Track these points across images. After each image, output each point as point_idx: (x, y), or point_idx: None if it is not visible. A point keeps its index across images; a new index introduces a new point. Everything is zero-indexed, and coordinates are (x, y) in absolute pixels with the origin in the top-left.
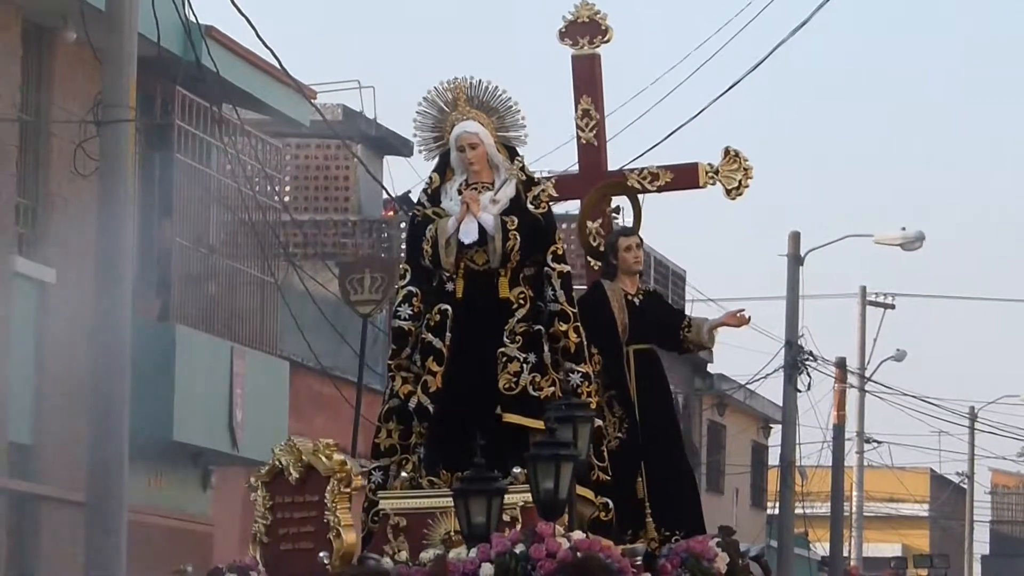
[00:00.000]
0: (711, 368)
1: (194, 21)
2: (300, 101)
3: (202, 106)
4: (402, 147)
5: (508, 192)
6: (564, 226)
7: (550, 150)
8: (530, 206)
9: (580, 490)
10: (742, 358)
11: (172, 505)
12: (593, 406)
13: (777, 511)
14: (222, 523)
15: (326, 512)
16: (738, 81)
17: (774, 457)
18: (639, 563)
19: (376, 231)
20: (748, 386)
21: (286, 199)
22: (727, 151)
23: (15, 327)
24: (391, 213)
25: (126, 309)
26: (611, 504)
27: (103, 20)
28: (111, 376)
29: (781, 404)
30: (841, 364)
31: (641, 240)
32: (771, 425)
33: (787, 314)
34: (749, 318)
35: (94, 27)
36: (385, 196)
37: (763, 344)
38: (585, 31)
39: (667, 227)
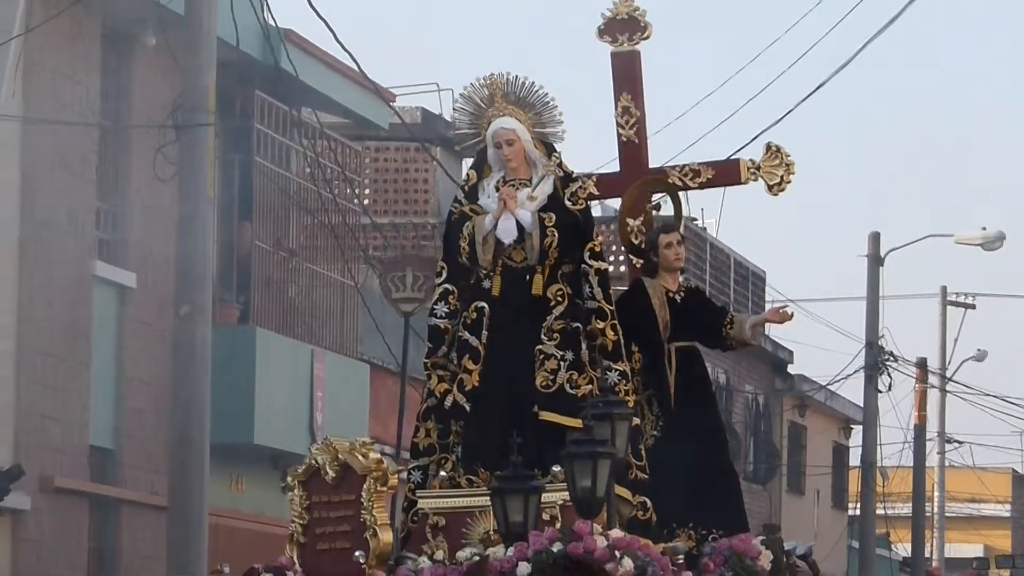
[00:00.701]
0: (792, 369)
1: (273, 24)
2: (379, 104)
3: (281, 109)
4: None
5: (545, 188)
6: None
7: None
8: (568, 202)
9: (618, 489)
10: (823, 359)
11: (253, 508)
12: (631, 404)
13: (858, 512)
14: None
15: (362, 511)
16: (825, 81)
17: (855, 458)
18: (680, 561)
19: None
20: (829, 387)
21: (365, 202)
22: (768, 146)
23: (95, 331)
24: None
25: (206, 313)
26: (649, 503)
27: (182, 25)
28: (192, 380)
29: (862, 405)
30: (922, 364)
31: (682, 237)
32: (852, 426)
33: (867, 315)
34: (792, 314)
35: (173, 32)
36: None
37: (844, 345)
38: (624, 28)
39: (747, 228)
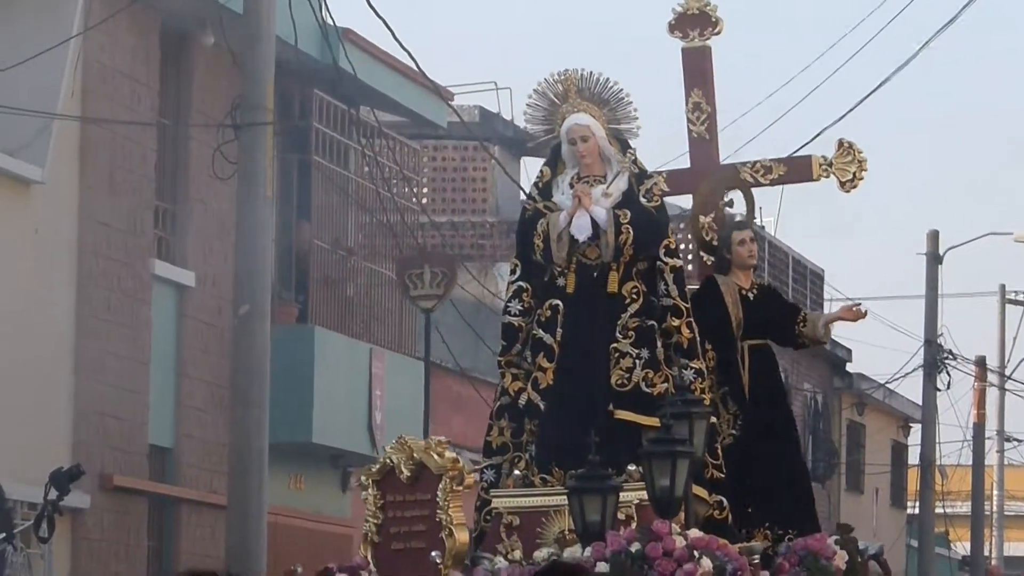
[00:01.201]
0: (850, 367)
1: (331, 24)
2: (437, 103)
3: (339, 108)
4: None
5: (620, 185)
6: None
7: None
8: (643, 199)
9: (694, 488)
10: (881, 357)
11: (312, 507)
12: (707, 403)
13: (917, 510)
14: (361, 524)
15: (438, 511)
16: (889, 77)
17: (914, 456)
18: (756, 561)
19: (514, 232)
20: (888, 385)
21: (424, 201)
22: (841, 143)
23: (154, 330)
24: None
25: (265, 312)
26: (725, 502)
27: (241, 24)
28: (250, 379)
29: (921, 403)
30: (981, 362)
31: (755, 234)
32: (911, 424)
33: (926, 313)
34: (865, 312)
35: (232, 31)
36: (523, 197)
37: (902, 343)
38: (695, 23)
39: (806, 227)
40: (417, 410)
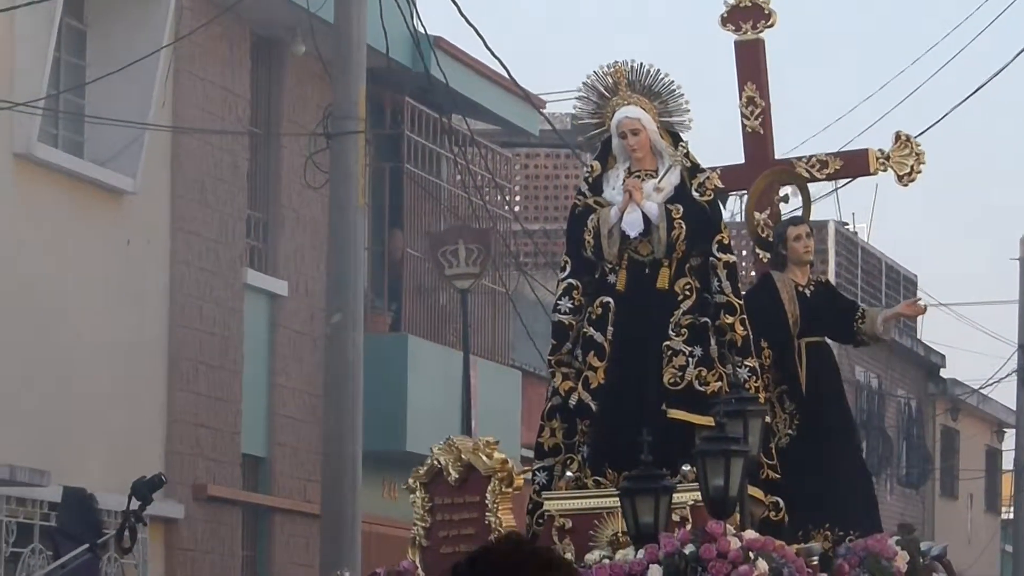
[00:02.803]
0: (944, 373)
1: (422, 32)
2: (529, 111)
3: (431, 117)
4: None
5: (672, 179)
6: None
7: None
8: (695, 193)
9: (749, 489)
10: (976, 362)
11: (406, 515)
12: (762, 401)
13: (1011, 516)
14: None
15: (487, 513)
16: (988, 80)
17: (1008, 461)
18: (815, 563)
19: None
20: (981, 391)
21: (516, 208)
22: (898, 136)
23: (247, 339)
24: None
25: (358, 321)
26: (782, 503)
27: (332, 32)
28: (343, 388)
29: (1015, 408)
30: None
31: (811, 229)
32: (1005, 429)
33: (1020, 318)
34: (925, 307)
35: (323, 40)
36: None
37: (996, 348)
38: (748, 16)
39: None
40: (512, 417)
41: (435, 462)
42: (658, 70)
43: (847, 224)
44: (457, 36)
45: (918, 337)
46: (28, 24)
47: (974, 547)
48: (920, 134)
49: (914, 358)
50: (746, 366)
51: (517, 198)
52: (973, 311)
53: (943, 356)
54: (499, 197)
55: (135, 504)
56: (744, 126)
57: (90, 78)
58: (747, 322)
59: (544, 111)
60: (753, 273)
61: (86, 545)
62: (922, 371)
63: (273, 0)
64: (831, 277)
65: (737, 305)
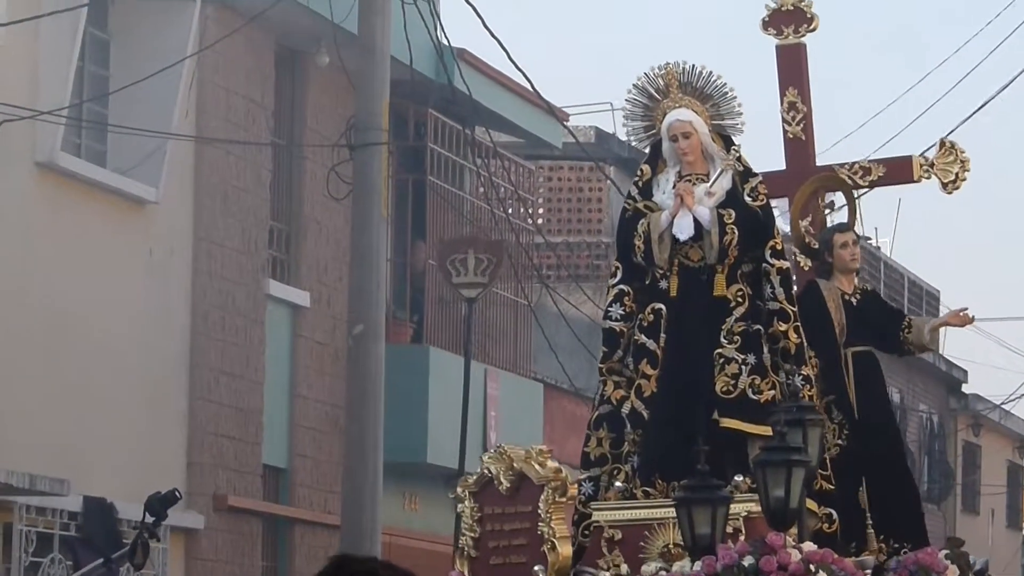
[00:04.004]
0: (966, 388)
1: (446, 44)
2: (552, 123)
3: (455, 128)
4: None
5: (724, 184)
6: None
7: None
8: (747, 198)
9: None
10: (998, 378)
11: (426, 527)
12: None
13: None
14: None
15: (540, 523)
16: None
17: None
18: None
19: None
20: (1004, 406)
21: (539, 221)
22: (943, 143)
23: (268, 350)
24: None
25: (380, 332)
26: (835, 515)
27: (356, 44)
28: (364, 399)
29: None
30: None
31: (858, 236)
32: None
33: None
34: (973, 317)
35: (347, 51)
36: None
37: (1019, 364)
38: (790, 19)
39: (921, 246)
40: (533, 430)
41: (485, 471)
42: (710, 72)
43: (870, 239)
44: (481, 48)
45: (940, 352)
46: (52, 33)
47: (996, 563)
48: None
49: (936, 373)
50: (800, 374)
51: (540, 211)
52: (996, 326)
53: (965, 371)
54: (522, 210)
55: (149, 519)
56: (785, 132)
57: (113, 88)
58: (801, 329)
59: (568, 124)
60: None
61: (100, 560)
62: (944, 386)
63: (297, 11)
64: None
65: (791, 312)
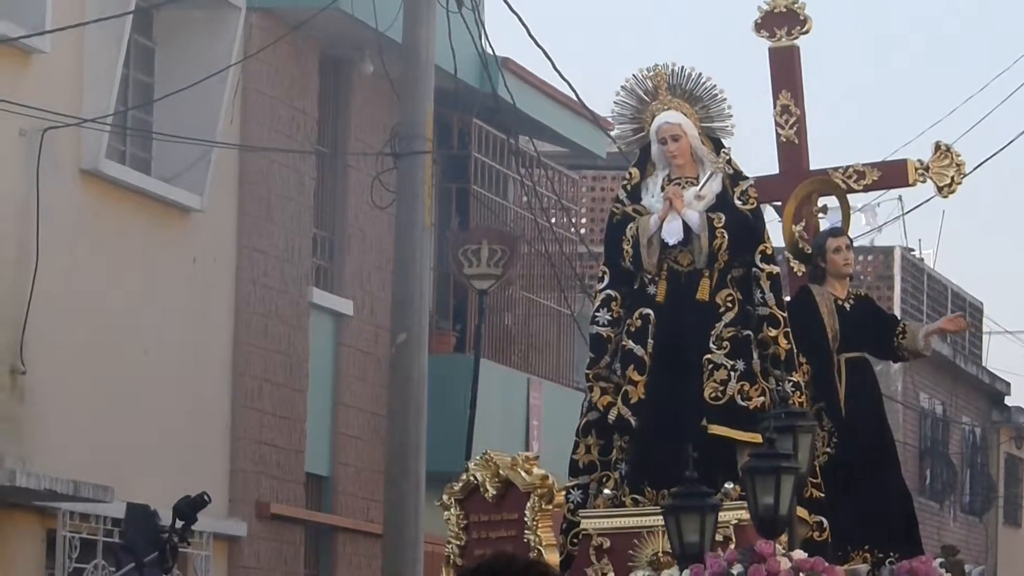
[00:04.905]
0: (1009, 401)
1: (491, 53)
2: (596, 133)
3: (498, 138)
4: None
5: (714, 187)
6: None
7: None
8: (738, 202)
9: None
10: None
11: None
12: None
13: None
14: None
15: (526, 531)
16: None
17: None
18: None
19: None
20: None
21: (582, 231)
22: (938, 146)
23: (312, 358)
24: None
25: (423, 341)
26: (825, 523)
27: (400, 52)
28: (408, 408)
29: None
30: None
31: (851, 241)
32: None
33: None
34: (968, 324)
35: (391, 59)
36: None
37: None
38: (783, 21)
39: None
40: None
41: (471, 478)
42: (700, 73)
43: (913, 250)
44: (525, 57)
45: (983, 364)
46: (97, 41)
47: (982, 566)
48: (982, 163)
49: (979, 385)
50: (790, 381)
51: (583, 220)
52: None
53: (1008, 384)
54: (565, 219)
55: (178, 523)
56: (778, 135)
57: (158, 95)
58: (791, 335)
59: (611, 133)
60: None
61: (132, 564)
62: (987, 398)
63: (342, 19)
64: (896, 303)
65: (781, 318)
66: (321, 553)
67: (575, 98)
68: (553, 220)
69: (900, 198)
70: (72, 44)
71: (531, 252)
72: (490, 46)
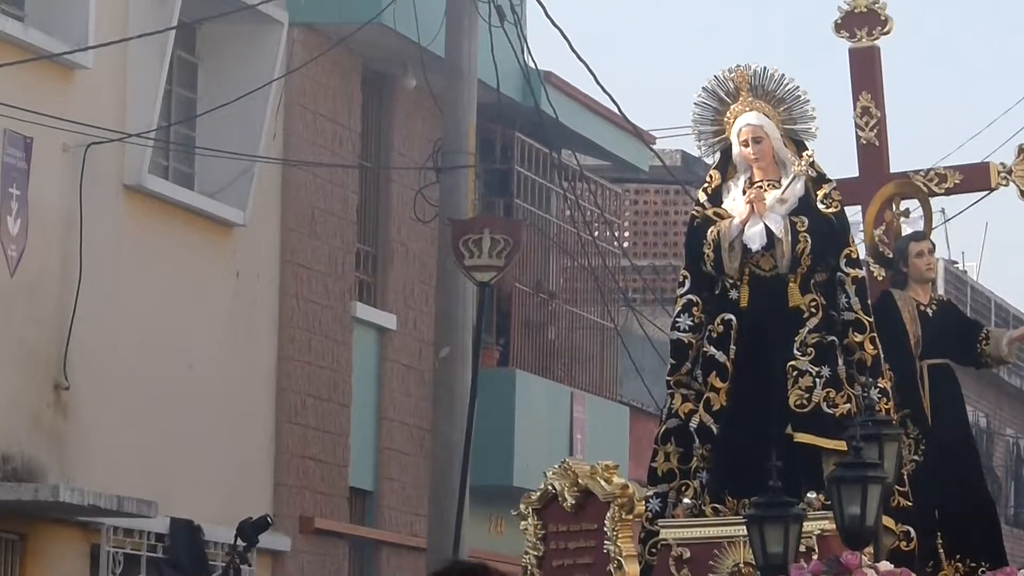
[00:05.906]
0: None
1: (533, 67)
2: (639, 146)
3: (541, 151)
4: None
5: (796, 190)
6: None
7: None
8: (821, 205)
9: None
10: None
11: (512, 550)
12: (895, 424)
13: None
14: None
15: (605, 541)
16: None
17: None
18: None
19: None
20: None
21: (625, 244)
22: (1021, 149)
23: (355, 373)
24: None
25: (466, 355)
26: (912, 532)
27: (443, 67)
28: (451, 422)
29: None
30: None
31: (933, 245)
32: None
33: None
34: None
35: (434, 74)
36: None
37: None
38: (863, 22)
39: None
40: (619, 453)
41: (549, 487)
42: (782, 74)
43: (956, 262)
44: (568, 71)
45: None
46: (140, 56)
47: None
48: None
49: (1022, 397)
50: (877, 387)
51: (626, 234)
52: None
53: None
54: (608, 233)
55: (240, 544)
56: (858, 137)
57: (201, 110)
58: (877, 341)
59: (654, 147)
60: None
61: None
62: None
63: (385, 34)
64: None
65: (867, 323)
66: (365, 568)
67: (617, 111)
68: (596, 233)
69: (943, 210)
70: (115, 60)
71: (574, 266)
72: (532, 60)
